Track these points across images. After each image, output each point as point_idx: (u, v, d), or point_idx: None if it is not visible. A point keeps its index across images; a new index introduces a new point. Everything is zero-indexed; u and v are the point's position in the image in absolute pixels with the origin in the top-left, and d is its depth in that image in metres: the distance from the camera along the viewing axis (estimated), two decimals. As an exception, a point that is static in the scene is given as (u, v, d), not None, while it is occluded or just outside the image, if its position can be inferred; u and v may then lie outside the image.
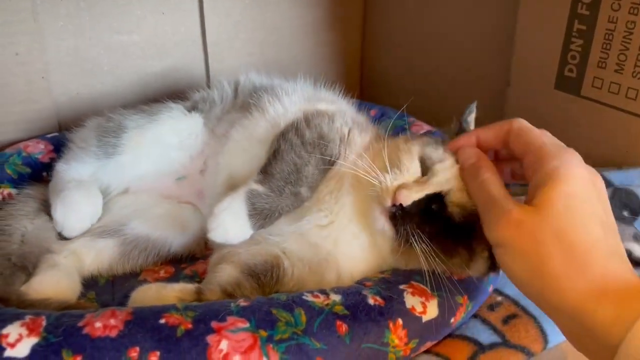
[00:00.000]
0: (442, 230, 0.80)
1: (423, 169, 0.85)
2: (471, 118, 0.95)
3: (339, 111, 1.02)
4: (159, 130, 1.08)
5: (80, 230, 1.00)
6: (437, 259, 0.79)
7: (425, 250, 0.78)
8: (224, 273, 0.86)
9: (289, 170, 0.88)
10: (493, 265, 0.82)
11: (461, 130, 0.93)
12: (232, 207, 0.86)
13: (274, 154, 0.91)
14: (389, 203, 0.80)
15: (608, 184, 1.05)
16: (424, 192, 0.80)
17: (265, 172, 0.89)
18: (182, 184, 1.11)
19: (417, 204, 0.80)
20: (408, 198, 0.79)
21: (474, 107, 0.95)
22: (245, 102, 1.12)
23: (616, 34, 1.09)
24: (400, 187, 0.80)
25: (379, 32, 1.76)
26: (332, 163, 0.92)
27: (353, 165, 0.87)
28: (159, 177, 1.10)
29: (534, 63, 1.27)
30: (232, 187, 1.00)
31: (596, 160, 1.16)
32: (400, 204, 0.79)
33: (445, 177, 0.82)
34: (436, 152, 0.85)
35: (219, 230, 0.86)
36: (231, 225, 0.86)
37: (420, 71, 1.65)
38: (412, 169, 0.84)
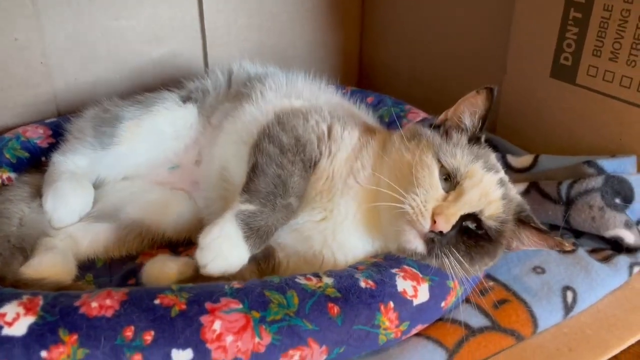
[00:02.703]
0: (474, 243, 0.81)
1: (444, 178, 0.83)
2: None
3: (314, 107, 0.98)
4: (155, 121, 1.08)
5: (68, 222, 1.00)
6: (463, 268, 0.80)
7: (454, 264, 0.79)
8: None
9: (274, 183, 0.84)
10: None
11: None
12: (225, 234, 0.79)
13: (254, 170, 0.86)
14: (426, 228, 0.79)
15: (601, 171, 1.06)
16: (458, 214, 0.79)
17: (249, 190, 0.84)
18: (175, 173, 1.12)
19: (454, 225, 0.80)
20: (448, 224, 0.78)
21: None
22: (238, 91, 1.12)
23: (611, 22, 1.09)
24: (436, 213, 0.78)
25: (377, 19, 1.76)
26: (314, 165, 0.90)
27: (370, 184, 0.86)
28: (153, 166, 1.11)
29: (530, 51, 1.27)
30: (225, 180, 1.01)
31: (590, 148, 1.18)
32: (440, 231, 0.78)
33: (476, 195, 0.81)
34: (458, 162, 0.83)
35: (217, 261, 0.78)
36: (229, 252, 0.79)
37: (418, 59, 1.65)
38: (435, 184, 0.82)
